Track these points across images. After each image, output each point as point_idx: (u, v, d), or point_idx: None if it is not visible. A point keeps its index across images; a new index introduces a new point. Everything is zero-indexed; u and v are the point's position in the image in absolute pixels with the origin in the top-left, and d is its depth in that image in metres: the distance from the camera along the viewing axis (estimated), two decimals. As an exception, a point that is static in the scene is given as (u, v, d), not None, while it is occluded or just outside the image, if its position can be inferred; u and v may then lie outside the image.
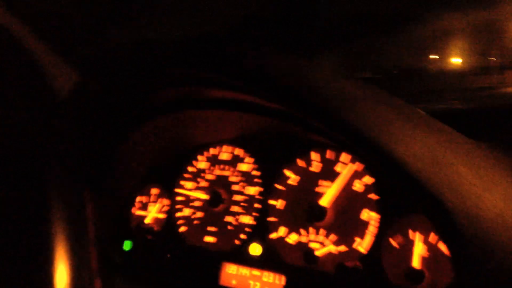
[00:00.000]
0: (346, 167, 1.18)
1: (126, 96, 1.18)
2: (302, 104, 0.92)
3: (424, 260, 1.03)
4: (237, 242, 1.27)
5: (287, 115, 1.16)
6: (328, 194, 1.17)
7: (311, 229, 1.19)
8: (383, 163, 0.83)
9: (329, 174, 1.20)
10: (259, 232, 1.24)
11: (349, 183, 1.16)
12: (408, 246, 1.06)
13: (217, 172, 1.36)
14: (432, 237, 1.03)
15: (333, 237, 1.15)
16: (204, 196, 1.33)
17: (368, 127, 0.83)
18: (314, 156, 1.23)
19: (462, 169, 0.79)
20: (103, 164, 1.25)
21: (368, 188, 1.14)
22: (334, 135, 1.04)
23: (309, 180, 1.22)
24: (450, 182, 0.78)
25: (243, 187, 1.31)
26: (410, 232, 1.06)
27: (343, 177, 1.17)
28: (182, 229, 1.36)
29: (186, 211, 1.37)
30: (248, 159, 1.33)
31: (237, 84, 1.03)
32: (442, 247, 1.02)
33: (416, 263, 1.03)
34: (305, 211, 1.19)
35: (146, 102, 1.23)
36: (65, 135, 1.11)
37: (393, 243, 1.07)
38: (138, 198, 1.44)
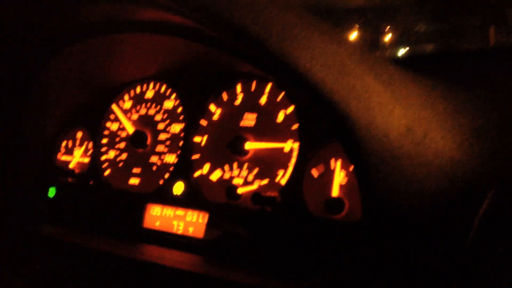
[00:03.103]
0: (272, 99, 1.10)
1: (41, 16, 1.07)
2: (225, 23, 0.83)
3: (343, 188, 0.98)
4: (161, 182, 1.20)
5: (213, 38, 1.07)
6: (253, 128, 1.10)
7: (234, 165, 1.12)
8: (291, 76, 0.76)
9: (254, 106, 1.12)
10: (183, 170, 1.18)
11: (272, 114, 1.10)
12: (328, 176, 1.00)
13: (142, 111, 1.28)
14: (350, 164, 0.97)
15: (255, 171, 1.09)
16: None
17: (277, 36, 0.75)
18: (240, 88, 1.16)
19: (373, 83, 0.72)
20: (15, 100, 1.17)
21: (290, 118, 1.07)
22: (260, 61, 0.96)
23: (234, 114, 1.15)
24: (358, 95, 0.72)
25: (168, 125, 1.24)
26: (332, 161, 1.00)
27: (269, 109, 1.10)
28: (107, 172, 1.29)
29: (111, 154, 1.30)
30: (172, 95, 1.25)
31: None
32: (361, 173, 0.96)
33: (335, 192, 0.98)
34: (229, 146, 1.12)
35: (65, 24, 1.12)
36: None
37: (314, 173, 1.01)
38: (63, 143, 1.37)
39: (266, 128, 1.10)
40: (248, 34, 0.78)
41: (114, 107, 1.29)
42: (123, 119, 1.27)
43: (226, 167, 1.13)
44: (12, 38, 1.08)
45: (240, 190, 1.08)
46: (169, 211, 1.16)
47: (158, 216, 1.17)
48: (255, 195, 0.99)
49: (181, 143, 1.20)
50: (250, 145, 1.09)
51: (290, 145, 1.06)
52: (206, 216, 1.11)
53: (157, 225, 1.16)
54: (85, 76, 1.28)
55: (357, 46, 0.80)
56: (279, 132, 1.08)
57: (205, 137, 1.17)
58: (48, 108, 1.29)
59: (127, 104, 1.30)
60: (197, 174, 1.16)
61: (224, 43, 1.05)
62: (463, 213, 0.70)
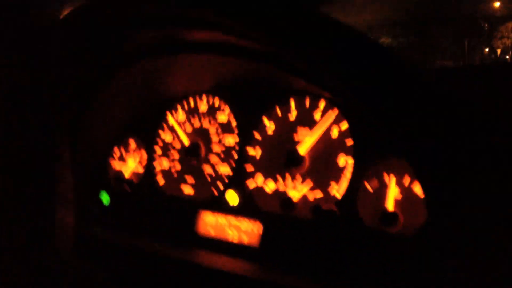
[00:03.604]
0: (325, 114, 1.16)
1: (104, 40, 1.15)
2: (286, 40, 0.89)
3: (398, 203, 1.03)
4: (214, 191, 1.26)
5: (268, 56, 1.13)
6: (307, 142, 1.16)
7: (288, 177, 1.18)
8: (361, 106, 0.82)
9: (307, 121, 1.18)
10: (237, 181, 1.24)
11: (327, 129, 1.15)
12: (382, 189, 1.05)
13: (196, 123, 1.35)
14: (406, 180, 1.02)
15: (309, 183, 1.15)
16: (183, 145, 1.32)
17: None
18: (293, 103, 1.22)
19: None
20: (81, 111, 1.24)
21: (344, 134, 1.12)
22: (314, 76, 1.01)
23: (287, 128, 1.21)
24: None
25: (221, 137, 1.30)
26: (385, 175, 1.05)
27: (321, 124, 1.15)
28: (161, 181, 1.35)
29: (165, 163, 1.36)
30: (226, 108, 1.31)
31: (220, 21, 0.99)
32: (416, 189, 1.01)
33: (390, 205, 1.03)
34: (282, 159, 1.17)
35: (125, 46, 1.19)
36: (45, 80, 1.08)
37: (368, 187, 1.07)
38: (115, 149, 1.43)
39: (320, 142, 1.15)
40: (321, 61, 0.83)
41: (170, 118, 1.35)
42: (179, 130, 1.33)
43: (280, 179, 1.18)
44: (84, 56, 1.15)
45: (295, 199, 1.13)
46: (223, 220, 1.22)
47: (212, 224, 1.22)
48: (316, 207, 1.05)
49: (235, 155, 1.25)
50: (303, 151, 1.15)
51: (344, 160, 1.11)
52: (261, 226, 1.16)
53: (211, 232, 1.22)
54: (141, 90, 1.35)
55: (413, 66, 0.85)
56: (333, 147, 1.13)
57: (259, 150, 1.23)
58: (106, 119, 1.36)
59: (181, 117, 1.36)
60: (251, 185, 1.21)
61: (281, 62, 1.11)
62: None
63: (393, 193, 1.03)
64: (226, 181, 1.25)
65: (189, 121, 1.35)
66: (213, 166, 1.29)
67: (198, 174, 1.30)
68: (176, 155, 1.35)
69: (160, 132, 1.38)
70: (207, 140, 1.31)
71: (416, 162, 0.79)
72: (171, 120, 1.36)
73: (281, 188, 1.18)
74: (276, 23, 0.88)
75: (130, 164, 1.40)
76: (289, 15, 0.86)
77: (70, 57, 1.13)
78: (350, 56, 0.82)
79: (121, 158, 1.41)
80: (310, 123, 1.17)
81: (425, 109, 0.77)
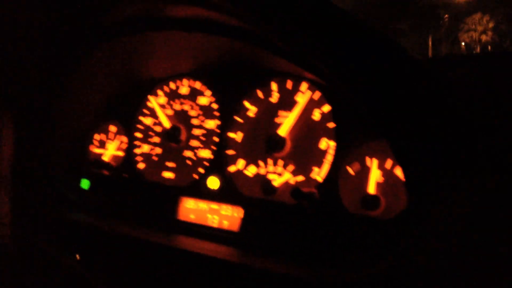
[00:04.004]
0: (305, 96, 1.14)
1: (80, 14, 1.10)
2: (270, 18, 0.86)
3: (380, 186, 1.01)
4: (195, 176, 1.24)
5: (251, 35, 1.10)
6: (286, 123, 1.14)
7: (269, 161, 1.16)
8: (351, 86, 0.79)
9: (288, 104, 1.16)
10: (218, 165, 1.21)
11: (308, 112, 1.13)
12: (364, 173, 1.03)
13: (177, 107, 1.32)
14: (388, 163, 1.01)
15: (291, 167, 1.13)
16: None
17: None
18: (274, 86, 1.19)
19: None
20: (52, 94, 1.20)
21: (326, 117, 1.10)
22: (298, 56, 0.99)
23: (268, 111, 1.18)
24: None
25: (202, 121, 1.27)
26: (367, 159, 1.04)
27: (300, 105, 1.13)
28: (141, 165, 1.32)
29: (145, 148, 1.33)
30: (207, 92, 1.28)
31: None
32: (398, 172, 1.00)
33: (372, 189, 1.01)
34: (263, 142, 1.15)
35: (102, 21, 1.15)
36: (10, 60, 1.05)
37: (350, 170, 1.05)
38: (95, 136, 1.40)
39: (302, 125, 1.13)
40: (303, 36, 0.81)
41: (152, 101, 1.32)
42: (160, 114, 1.30)
43: (261, 163, 1.16)
44: (53, 34, 1.11)
45: (275, 183, 1.12)
46: (203, 205, 1.19)
47: (192, 209, 1.20)
48: (295, 190, 1.03)
49: (216, 139, 1.23)
50: (283, 133, 1.13)
51: (326, 143, 1.09)
52: (242, 210, 1.14)
53: (191, 217, 1.20)
54: (120, 71, 1.31)
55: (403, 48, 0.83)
56: (315, 130, 1.11)
57: (240, 133, 1.21)
58: (83, 101, 1.32)
59: (162, 100, 1.33)
60: (232, 169, 1.19)
61: (264, 41, 1.08)
62: None
63: (374, 176, 1.02)
64: (207, 165, 1.23)
65: (170, 104, 1.32)
66: (193, 150, 1.26)
67: (179, 158, 1.28)
68: (156, 139, 1.32)
69: (140, 115, 1.35)
70: (188, 124, 1.28)
71: (397, 145, 0.78)
72: (153, 102, 1.33)
73: (262, 172, 1.16)
74: (261, 1, 0.86)
75: (110, 149, 1.37)
76: None
77: (40, 33, 1.09)
78: (334, 36, 0.79)
79: (102, 145, 1.38)
80: (292, 106, 1.15)
81: (408, 94, 0.76)
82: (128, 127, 1.35)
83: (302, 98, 1.14)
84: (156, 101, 1.33)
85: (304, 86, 1.15)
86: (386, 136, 0.80)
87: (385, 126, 0.78)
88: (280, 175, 1.13)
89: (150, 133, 1.33)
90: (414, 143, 0.75)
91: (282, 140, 1.12)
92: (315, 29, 0.81)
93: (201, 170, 1.23)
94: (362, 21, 0.81)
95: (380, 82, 0.76)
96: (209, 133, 1.25)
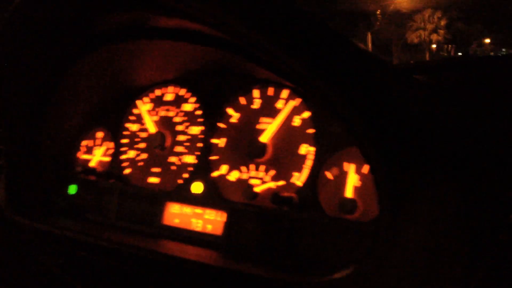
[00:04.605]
0: (287, 103, 1.17)
1: (67, 24, 1.13)
2: (250, 33, 0.89)
3: (357, 190, 1.04)
4: (180, 181, 1.26)
5: (233, 46, 1.13)
6: (268, 130, 1.17)
7: (251, 166, 1.19)
8: (314, 86, 0.82)
9: (270, 110, 1.19)
10: (201, 170, 1.24)
11: (288, 118, 1.16)
12: (342, 177, 1.06)
13: (162, 113, 1.34)
14: (365, 167, 1.04)
15: (272, 172, 1.16)
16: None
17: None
18: (256, 93, 1.22)
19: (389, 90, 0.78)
20: (40, 102, 1.22)
21: (306, 123, 1.13)
22: (277, 66, 1.02)
23: (250, 118, 1.21)
24: (376, 103, 0.78)
25: (187, 127, 1.30)
26: (345, 164, 1.07)
27: (284, 113, 1.16)
28: (127, 171, 1.35)
29: (131, 153, 1.36)
30: (191, 99, 1.31)
31: (185, 9, 0.99)
32: (374, 176, 1.02)
33: (349, 193, 1.04)
34: (246, 148, 1.18)
35: (88, 30, 1.18)
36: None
37: (328, 175, 1.08)
38: (83, 142, 1.42)
39: (283, 131, 1.16)
40: (276, 47, 0.84)
41: (138, 106, 1.35)
42: (147, 119, 1.33)
43: (244, 169, 1.19)
44: (42, 41, 1.13)
45: (257, 189, 1.14)
46: (188, 209, 1.22)
47: (177, 213, 1.23)
48: (275, 195, 1.05)
49: (200, 145, 1.26)
50: (265, 139, 1.16)
51: (306, 149, 1.12)
52: (225, 214, 1.17)
53: (176, 222, 1.22)
54: (106, 78, 1.33)
55: (375, 55, 0.87)
56: (295, 136, 1.14)
57: (224, 139, 1.23)
58: (70, 108, 1.35)
59: (148, 106, 1.36)
60: (215, 174, 1.22)
61: (245, 51, 1.11)
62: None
63: (352, 181, 1.05)
64: (191, 170, 1.26)
65: (155, 110, 1.35)
66: (178, 156, 1.29)
67: (164, 164, 1.30)
68: (142, 145, 1.35)
69: (126, 122, 1.37)
70: (173, 130, 1.31)
71: (366, 151, 0.81)
72: (140, 108, 1.36)
73: (245, 177, 1.18)
74: (241, 12, 0.89)
75: (97, 154, 1.39)
76: (254, 4, 0.86)
77: (28, 43, 1.11)
78: (311, 46, 0.82)
79: (89, 150, 1.40)
80: (273, 113, 1.18)
81: (376, 101, 0.79)
82: (114, 133, 1.38)
83: (284, 105, 1.17)
84: (141, 108, 1.35)
85: (285, 93, 1.18)
86: (357, 142, 0.83)
87: (355, 133, 0.81)
88: (262, 180, 1.16)
89: (136, 139, 1.36)
90: (382, 150, 0.78)
91: (263, 147, 1.15)
92: (290, 39, 0.84)
93: (186, 175, 1.26)
94: (336, 30, 0.84)
95: (351, 89, 0.79)
96: (193, 139, 1.28)
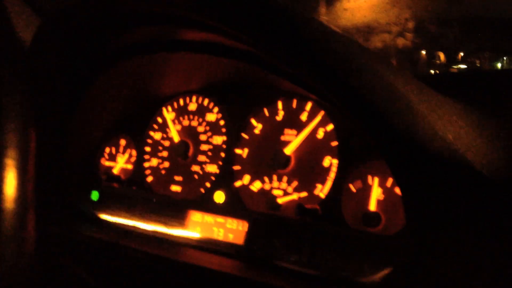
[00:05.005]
0: (311, 116, 1.18)
1: (94, 37, 1.16)
2: (276, 46, 0.90)
3: (380, 204, 1.05)
4: (202, 190, 1.28)
5: (257, 58, 1.14)
6: (294, 143, 1.18)
7: (274, 177, 1.20)
8: (350, 108, 0.83)
9: (294, 122, 1.20)
10: (224, 180, 1.25)
11: (312, 131, 1.17)
12: (366, 191, 1.07)
13: (185, 122, 1.36)
14: (389, 181, 1.04)
15: (294, 183, 1.16)
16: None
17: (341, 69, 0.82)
18: (280, 105, 1.23)
19: (416, 103, 0.79)
20: (68, 109, 1.25)
21: (329, 135, 1.14)
22: (300, 79, 1.03)
23: (274, 129, 1.23)
24: (403, 115, 0.78)
25: (210, 137, 1.31)
26: (369, 177, 1.07)
27: (310, 126, 1.17)
28: (149, 178, 1.37)
29: (154, 161, 1.38)
30: (215, 109, 1.33)
31: (211, 23, 1.01)
32: (398, 190, 1.03)
33: (372, 206, 1.05)
34: (269, 159, 1.19)
35: (115, 43, 1.21)
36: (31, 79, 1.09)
37: (351, 187, 1.09)
38: (107, 149, 1.44)
39: (306, 143, 1.17)
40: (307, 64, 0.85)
41: (162, 115, 1.37)
42: (171, 127, 1.35)
43: (266, 179, 1.20)
44: (71, 54, 1.16)
45: (280, 200, 1.15)
46: (209, 218, 1.23)
47: (199, 222, 1.24)
48: (299, 206, 1.06)
49: (222, 154, 1.27)
50: (289, 152, 1.17)
51: (329, 161, 1.13)
52: (246, 224, 1.18)
53: (197, 230, 1.23)
54: (132, 88, 1.36)
55: (400, 67, 0.87)
56: (318, 148, 1.15)
57: (246, 150, 1.25)
58: (96, 116, 1.37)
59: (171, 115, 1.37)
60: (238, 184, 1.23)
61: (271, 64, 1.13)
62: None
63: (375, 194, 1.05)
64: (214, 179, 1.27)
65: (178, 120, 1.37)
66: (201, 165, 1.30)
67: (186, 173, 1.32)
68: (164, 153, 1.36)
69: (150, 130, 1.39)
70: (196, 139, 1.32)
71: (394, 165, 0.81)
72: (165, 116, 1.38)
73: (267, 188, 1.19)
74: (262, 27, 0.90)
75: (120, 162, 1.41)
76: (276, 19, 0.88)
77: (58, 55, 1.14)
78: (332, 60, 0.83)
79: (112, 158, 1.43)
80: (297, 125, 1.19)
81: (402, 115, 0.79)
82: (137, 141, 1.40)
83: (308, 117, 1.18)
84: (165, 117, 1.38)
85: (309, 105, 1.19)
86: (383, 156, 0.83)
87: (382, 146, 0.81)
88: (285, 191, 1.17)
89: (159, 147, 1.38)
90: (410, 165, 0.78)
91: (288, 158, 1.16)
92: (312, 54, 0.85)
93: (208, 185, 1.27)
94: (358, 43, 0.85)
95: (375, 105, 0.79)
96: (216, 148, 1.29)
